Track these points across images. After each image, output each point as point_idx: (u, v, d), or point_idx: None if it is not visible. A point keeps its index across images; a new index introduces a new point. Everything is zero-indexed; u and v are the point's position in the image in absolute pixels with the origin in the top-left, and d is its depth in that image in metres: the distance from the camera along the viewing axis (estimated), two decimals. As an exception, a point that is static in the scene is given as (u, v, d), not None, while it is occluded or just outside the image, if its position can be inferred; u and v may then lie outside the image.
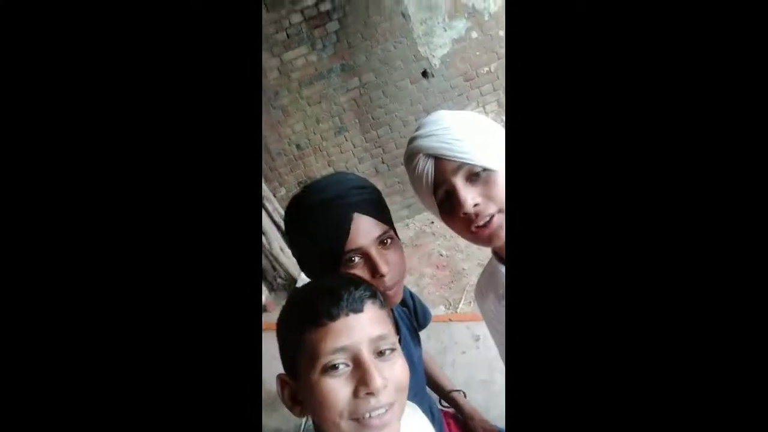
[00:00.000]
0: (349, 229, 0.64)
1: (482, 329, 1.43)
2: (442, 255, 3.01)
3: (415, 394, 0.83)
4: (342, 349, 0.49)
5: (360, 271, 0.66)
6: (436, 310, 2.33)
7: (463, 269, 2.67)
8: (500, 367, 1.40)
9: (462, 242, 2.95)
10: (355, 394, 0.49)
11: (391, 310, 0.86)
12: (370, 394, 0.48)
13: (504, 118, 3.32)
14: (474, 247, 2.53)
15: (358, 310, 0.52)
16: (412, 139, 0.67)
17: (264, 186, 2.97)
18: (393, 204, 3.42)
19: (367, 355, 0.50)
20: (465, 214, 0.61)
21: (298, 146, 3.31)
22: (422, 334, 0.99)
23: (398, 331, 0.85)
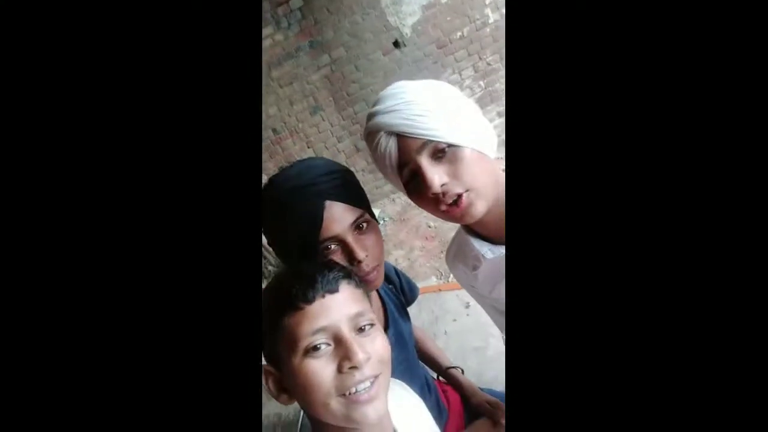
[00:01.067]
0: (322, 218, 0.63)
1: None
2: (430, 226, 3.03)
3: (408, 368, 0.84)
4: (322, 329, 0.50)
5: (338, 258, 0.65)
6: (428, 281, 2.36)
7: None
8: (492, 332, 1.44)
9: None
10: (339, 369, 0.49)
11: (377, 289, 0.86)
12: (354, 367, 0.49)
13: (482, 83, 3.29)
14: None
15: (334, 290, 0.52)
16: (371, 115, 0.63)
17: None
18: (377, 180, 3.40)
19: (347, 332, 0.50)
20: (433, 194, 0.59)
21: (274, 130, 3.24)
22: (414, 306, 1.00)
23: (385, 308, 0.85)
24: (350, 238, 0.65)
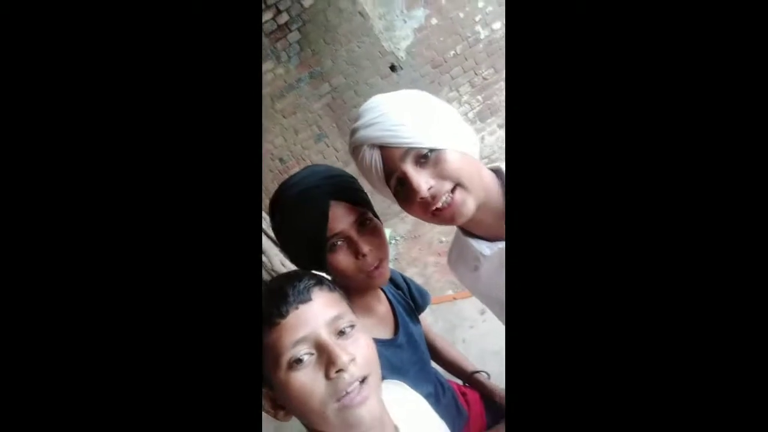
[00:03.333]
0: (327, 216, 0.67)
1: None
2: (441, 241, 3.02)
3: (421, 369, 0.84)
4: (301, 340, 0.50)
5: (344, 254, 0.69)
6: (444, 294, 2.34)
7: (464, 251, 2.68)
8: (509, 335, 1.41)
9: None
10: (327, 376, 0.49)
11: (385, 293, 0.87)
12: (341, 371, 0.49)
13: (480, 97, 3.34)
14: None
15: (306, 300, 0.52)
16: (354, 131, 0.66)
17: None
18: (386, 200, 3.42)
19: (327, 337, 0.50)
20: (421, 198, 0.60)
21: (281, 160, 3.33)
22: (430, 316, 1.00)
23: (394, 311, 0.86)
24: (354, 234, 0.68)
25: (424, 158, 0.60)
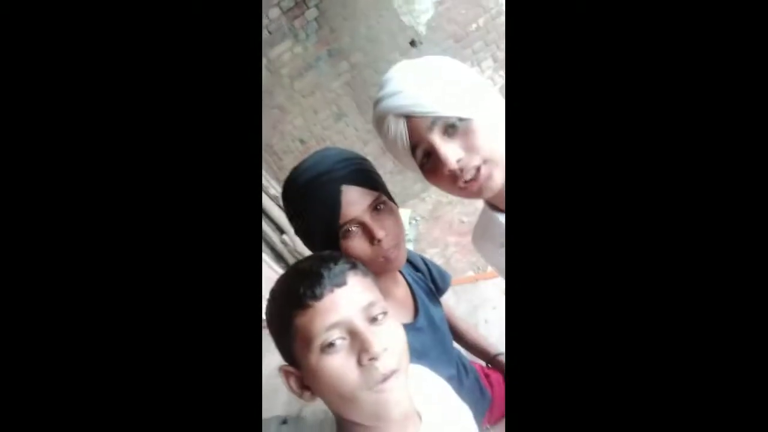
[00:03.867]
0: (340, 202, 0.65)
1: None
2: (463, 222, 2.99)
3: (443, 351, 0.83)
4: (335, 325, 0.49)
5: (359, 239, 0.67)
6: (465, 275, 2.33)
7: (486, 231, 2.65)
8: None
9: (481, 204, 2.91)
10: (359, 362, 0.49)
11: (404, 276, 0.86)
12: (373, 359, 0.48)
13: (503, 73, 3.23)
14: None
15: (342, 283, 0.51)
16: (377, 101, 0.62)
17: (276, 186, 2.99)
18: (406, 180, 3.40)
19: (361, 324, 0.50)
20: (450, 171, 0.57)
21: (301, 141, 3.32)
22: (452, 297, 0.99)
23: (414, 294, 0.85)
24: (368, 219, 0.67)
25: (453, 128, 0.57)
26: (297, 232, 0.75)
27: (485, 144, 0.57)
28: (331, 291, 0.50)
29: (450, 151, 0.57)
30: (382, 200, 0.70)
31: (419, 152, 0.60)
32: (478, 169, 0.58)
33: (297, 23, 3.00)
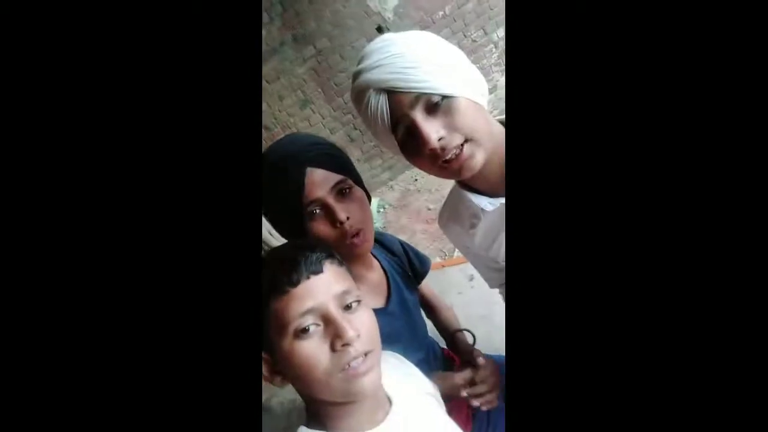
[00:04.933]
0: (303, 182, 0.65)
1: (474, 269, 1.45)
2: (429, 209, 3.03)
3: (413, 336, 0.84)
4: (309, 311, 0.50)
5: (322, 222, 0.67)
6: (433, 261, 2.36)
7: (453, 218, 2.69)
8: (497, 300, 1.45)
9: (446, 191, 2.96)
10: (332, 348, 0.50)
11: (378, 259, 0.86)
12: (347, 344, 0.50)
13: (470, 60, 3.25)
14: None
15: (318, 271, 0.52)
16: (357, 74, 0.59)
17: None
18: (373, 168, 3.40)
19: (335, 311, 0.51)
20: (431, 150, 0.56)
21: (266, 128, 3.24)
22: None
23: (388, 278, 0.85)
24: (331, 201, 0.67)
25: (436, 106, 0.55)
26: (266, 216, 0.74)
27: (467, 123, 0.56)
28: (307, 278, 0.51)
29: (432, 129, 0.55)
30: (348, 184, 0.69)
31: (400, 129, 0.58)
32: (460, 148, 0.57)
33: (261, 5, 2.90)
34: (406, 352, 0.72)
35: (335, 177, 0.68)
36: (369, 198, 0.76)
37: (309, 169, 0.66)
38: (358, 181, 0.73)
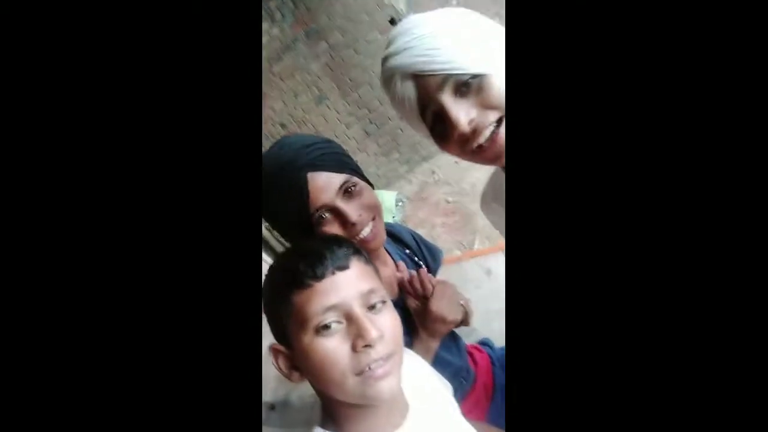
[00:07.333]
0: (307, 189, 0.63)
1: (491, 262, 1.43)
2: (449, 202, 3.00)
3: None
4: (333, 307, 0.49)
5: (333, 225, 0.66)
6: (451, 254, 2.34)
7: (473, 211, 2.66)
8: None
9: (467, 185, 2.92)
10: (354, 348, 0.48)
11: (389, 252, 0.86)
12: (368, 346, 0.48)
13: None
14: (480, 186, 2.53)
15: (344, 267, 0.50)
16: (385, 59, 0.57)
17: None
18: (391, 162, 3.38)
19: (359, 310, 0.49)
20: (460, 134, 0.53)
21: (282, 125, 3.26)
22: (438, 273, 0.99)
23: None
24: (340, 203, 0.65)
25: (465, 86, 0.53)
26: (271, 225, 0.74)
27: (502, 100, 0.53)
28: (333, 273, 0.50)
29: (462, 112, 0.53)
30: (353, 182, 0.68)
31: (429, 114, 0.56)
32: (495, 129, 0.53)
33: (272, 4, 2.91)
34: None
35: (339, 177, 0.66)
36: (371, 186, 0.74)
37: (310, 174, 0.64)
38: (360, 174, 0.71)
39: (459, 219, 2.74)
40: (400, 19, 3.01)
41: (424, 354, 0.74)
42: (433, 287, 0.75)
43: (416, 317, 0.77)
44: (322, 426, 0.55)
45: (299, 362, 0.52)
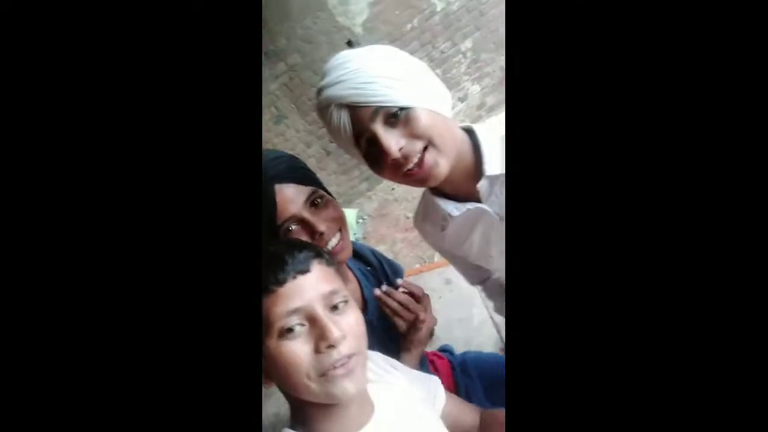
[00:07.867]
0: (275, 201, 0.65)
1: (451, 273, 1.48)
2: (408, 217, 3.06)
3: (390, 342, 0.86)
4: (295, 311, 0.50)
5: (300, 236, 0.68)
6: (412, 268, 2.39)
7: (431, 225, 2.72)
8: (474, 302, 1.49)
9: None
10: (316, 349, 0.50)
11: (351, 269, 0.88)
12: (331, 346, 0.49)
13: (439, 72, 3.33)
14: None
15: (305, 270, 0.52)
16: (320, 90, 0.62)
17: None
18: (351, 180, 3.42)
19: (321, 311, 0.50)
20: (393, 160, 0.59)
21: (241, 145, 3.23)
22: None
23: (362, 288, 0.87)
24: (306, 214, 0.67)
25: (394, 117, 0.58)
26: None
27: (427, 130, 0.59)
28: (294, 278, 0.51)
29: (392, 140, 0.58)
30: (319, 194, 0.70)
31: (363, 142, 0.61)
32: (422, 155, 0.59)
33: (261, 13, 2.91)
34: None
35: (306, 189, 0.68)
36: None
37: (278, 186, 0.66)
38: (323, 187, 0.74)
39: (418, 235, 2.80)
40: (357, 42, 3.10)
41: (412, 364, 0.76)
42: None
43: (406, 335, 0.78)
44: (291, 427, 0.55)
45: (265, 366, 0.53)
